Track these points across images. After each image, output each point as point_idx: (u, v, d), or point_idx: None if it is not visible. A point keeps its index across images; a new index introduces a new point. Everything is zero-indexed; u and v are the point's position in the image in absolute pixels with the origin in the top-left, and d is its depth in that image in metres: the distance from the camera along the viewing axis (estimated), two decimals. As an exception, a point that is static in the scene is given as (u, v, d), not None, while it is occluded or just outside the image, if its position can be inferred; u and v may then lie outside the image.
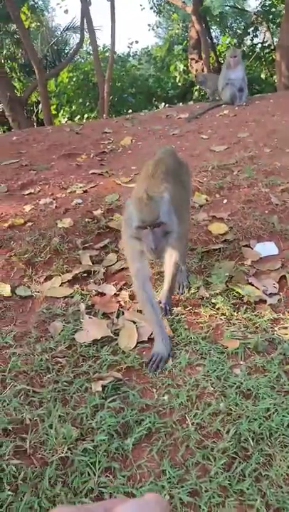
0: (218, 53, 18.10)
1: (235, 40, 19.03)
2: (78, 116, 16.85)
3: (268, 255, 3.25)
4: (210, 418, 2.04)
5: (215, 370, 2.28)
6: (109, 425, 2.00)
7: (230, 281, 2.96)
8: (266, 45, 18.84)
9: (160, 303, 2.74)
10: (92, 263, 3.29)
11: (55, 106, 17.37)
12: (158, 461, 1.87)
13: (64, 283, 3.09)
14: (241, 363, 2.35)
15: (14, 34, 16.69)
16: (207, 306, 2.76)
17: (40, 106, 15.95)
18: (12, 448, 1.92)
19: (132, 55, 20.89)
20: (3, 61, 16.52)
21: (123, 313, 2.78)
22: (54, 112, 16.98)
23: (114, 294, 2.98)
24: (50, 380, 2.28)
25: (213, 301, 2.79)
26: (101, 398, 2.16)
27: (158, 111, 10.16)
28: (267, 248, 3.32)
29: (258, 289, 2.88)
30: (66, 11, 20.63)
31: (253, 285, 2.92)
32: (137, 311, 2.77)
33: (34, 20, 17.38)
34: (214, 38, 19.18)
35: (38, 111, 17.74)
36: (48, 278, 3.16)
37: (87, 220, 3.83)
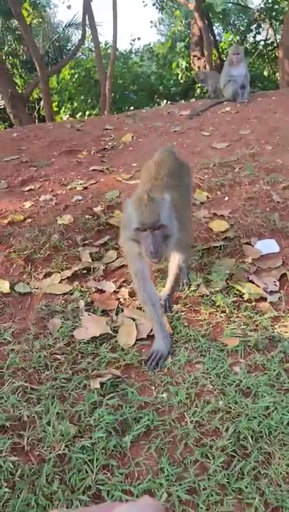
0: (220, 50, 18.02)
1: (237, 37, 18.94)
2: (80, 113, 16.82)
3: (269, 253, 3.24)
4: (209, 416, 2.03)
5: (214, 368, 2.27)
6: (108, 422, 1.99)
7: (230, 278, 2.94)
8: (269, 42, 18.75)
9: (160, 299, 2.70)
10: (92, 260, 3.28)
11: (56, 103, 17.34)
12: (156, 458, 1.86)
13: (63, 280, 3.08)
14: (241, 360, 2.34)
15: (16, 30, 16.65)
16: (207, 304, 2.74)
17: (41, 103, 15.92)
18: (9, 445, 1.91)
19: (134, 51, 20.86)
20: (4, 57, 16.51)
21: (122, 311, 2.77)
22: (56, 109, 16.95)
23: (114, 291, 2.96)
24: (48, 377, 2.27)
25: (213, 298, 2.78)
26: (99, 395, 2.15)
27: (159, 108, 10.13)
28: (268, 246, 3.30)
29: (258, 286, 2.87)
30: (69, 7, 20.49)
31: (253, 283, 2.90)
32: (137, 308, 2.76)
33: (36, 17, 17.33)
34: (217, 35, 19.10)
35: (39, 108, 17.71)
36: (48, 275, 3.14)
37: (87, 216, 3.82)
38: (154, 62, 20.89)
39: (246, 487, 1.74)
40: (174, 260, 2.61)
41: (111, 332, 2.57)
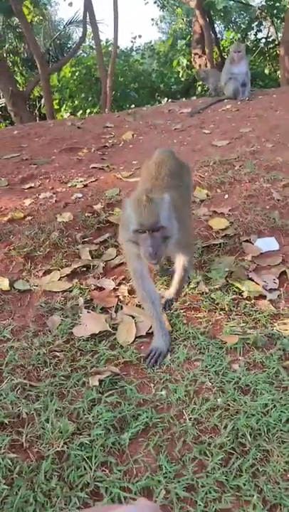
0: (221, 48, 17.98)
1: (239, 35, 18.90)
2: (81, 111, 16.81)
3: (269, 251, 3.23)
4: (207, 413, 2.03)
5: (213, 366, 2.27)
6: (106, 420, 1.99)
7: (230, 276, 2.94)
8: (270, 40, 18.72)
9: (162, 299, 2.69)
10: (92, 257, 3.27)
11: (57, 101, 17.32)
12: (154, 456, 1.86)
13: (63, 277, 3.07)
14: (240, 358, 2.34)
15: (17, 28, 16.60)
16: (206, 301, 2.74)
17: (42, 101, 15.89)
18: (8, 442, 1.91)
19: (135, 49, 20.80)
20: (5, 55, 16.47)
21: (122, 308, 2.77)
22: (56, 107, 16.94)
23: (113, 288, 2.96)
24: (47, 374, 2.27)
25: (212, 296, 2.77)
26: (98, 393, 2.15)
27: (160, 106, 10.12)
28: (267, 243, 3.30)
29: (258, 284, 2.86)
30: (70, 4, 20.45)
31: (253, 280, 2.89)
32: (136, 305, 2.76)
33: (37, 14, 17.26)
34: (218, 33, 19.05)
35: (40, 106, 17.67)
36: (47, 272, 3.14)
37: (87, 214, 3.81)
38: (155, 60, 20.85)
39: (244, 484, 1.74)
40: (179, 262, 2.59)
41: (110, 329, 2.56)
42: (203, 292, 2.81)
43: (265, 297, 2.77)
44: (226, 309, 2.67)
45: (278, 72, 16.64)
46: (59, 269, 3.14)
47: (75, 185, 4.54)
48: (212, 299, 2.76)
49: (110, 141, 6.23)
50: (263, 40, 18.83)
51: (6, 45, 17.18)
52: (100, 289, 2.97)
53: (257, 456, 1.84)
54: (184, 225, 2.36)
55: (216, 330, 2.54)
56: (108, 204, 4.00)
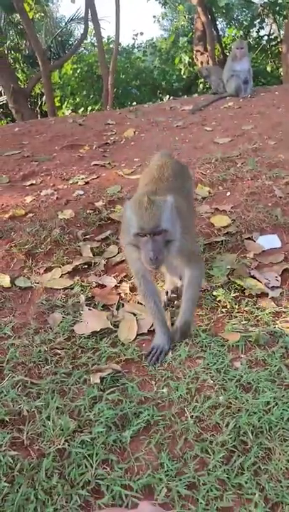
0: (223, 45, 17.91)
1: (241, 32, 18.82)
2: (82, 109, 16.76)
3: (271, 248, 3.22)
4: (209, 411, 2.02)
5: (215, 363, 2.26)
6: (107, 417, 1.98)
7: (232, 273, 2.93)
8: (272, 37, 18.62)
9: (175, 330, 2.45)
10: (93, 255, 3.27)
11: (59, 98, 17.27)
12: (156, 453, 1.86)
13: (64, 274, 3.07)
14: (242, 356, 2.33)
15: (18, 25, 16.53)
16: (208, 299, 2.73)
17: (43, 98, 15.86)
18: (9, 439, 1.91)
19: (136, 46, 20.69)
20: (6, 52, 16.43)
21: (123, 305, 2.76)
22: (58, 104, 16.89)
23: (115, 285, 2.95)
24: (48, 372, 2.26)
25: (214, 293, 2.76)
26: (99, 390, 2.14)
27: (162, 103, 10.10)
28: (270, 241, 3.28)
29: (260, 282, 2.85)
30: (73, 0, 20.31)
31: (255, 278, 2.89)
32: (138, 303, 2.75)
33: (38, 11, 17.20)
34: (220, 30, 18.96)
35: (41, 103, 17.63)
36: (48, 269, 3.13)
37: (88, 211, 3.80)
38: (157, 57, 20.74)
39: (246, 482, 1.74)
40: (186, 279, 2.41)
41: (111, 327, 2.56)
42: (205, 289, 2.80)
43: (267, 295, 2.76)
44: (228, 307, 2.66)
45: (280, 69, 16.57)
46: (60, 267, 3.13)
47: (77, 182, 4.53)
48: (214, 296, 2.75)
49: (112, 139, 6.22)
50: (265, 38, 18.73)
51: (8, 42, 17.11)
52: (102, 286, 2.96)
53: (259, 454, 1.83)
54: (187, 229, 2.26)
55: (218, 328, 2.53)
56: (109, 201, 3.99)
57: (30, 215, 3.84)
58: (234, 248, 3.23)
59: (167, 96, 17.24)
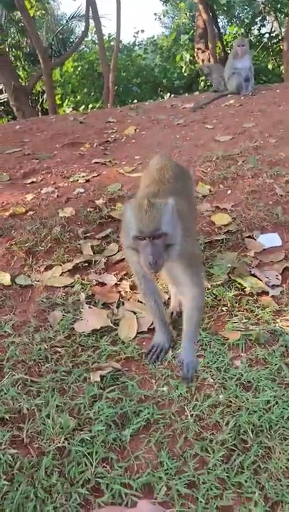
0: (225, 43, 17.87)
1: (242, 30, 18.76)
2: (83, 106, 16.73)
3: (272, 246, 3.21)
4: (209, 410, 2.02)
5: (215, 362, 2.26)
6: (107, 416, 1.98)
7: (232, 272, 2.92)
8: (274, 35, 18.59)
9: (180, 363, 2.25)
10: (93, 253, 3.26)
11: (59, 95, 17.24)
12: (156, 452, 1.86)
13: (64, 272, 3.06)
14: (242, 354, 2.32)
15: (19, 22, 16.52)
16: (209, 297, 2.72)
17: (44, 95, 15.84)
18: (9, 437, 1.91)
19: (137, 44, 20.63)
20: (7, 50, 16.40)
21: (123, 304, 2.76)
22: (59, 102, 16.86)
23: (115, 284, 2.95)
24: (48, 370, 2.26)
25: (214, 292, 2.76)
26: (99, 388, 2.14)
27: (163, 101, 10.07)
28: (270, 239, 3.28)
29: (260, 280, 2.85)
30: (75, -2, 20.22)
31: (255, 276, 2.88)
32: (138, 301, 2.74)
33: (39, 9, 17.19)
34: (221, 28, 18.91)
35: (42, 100, 17.62)
36: (49, 267, 3.13)
37: (88, 209, 3.80)
38: (158, 55, 20.69)
39: (246, 481, 1.74)
40: (187, 298, 2.27)
41: (112, 325, 2.55)
42: (205, 288, 2.79)
43: (267, 293, 2.76)
44: (229, 305, 2.65)
45: (282, 67, 16.53)
46: (61, 265, 3.13)
47: (77, 180, 4.53)
48: (214, 294, 2.74)
49: (113, 136, 6.21)
50: (267, 35, 18.70)
51: (9, 40, 17.09)
52: (102, 284, 2.96)
53: (259, 453, 1.83)
54: (188, 232, 2.19)
55: (218, 326, 2.53)
56: (110, 199, 3.98)
57: (31, 212, 3.84)
58: (235, 246, 3.23)
59: (168, 94, 17.20)
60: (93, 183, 4.41)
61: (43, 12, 18.07)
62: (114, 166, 4.89)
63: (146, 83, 18.46)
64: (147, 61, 20.02)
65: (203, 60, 15.72)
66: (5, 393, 2.12)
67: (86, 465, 1.80)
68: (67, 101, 17.35)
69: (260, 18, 18.12)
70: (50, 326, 2.58)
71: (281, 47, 16.24)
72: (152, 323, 2.51)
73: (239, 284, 2.82)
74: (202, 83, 17.16)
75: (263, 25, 18.49)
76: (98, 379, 2.18)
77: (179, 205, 2.10)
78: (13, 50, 17.41)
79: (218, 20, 18.27)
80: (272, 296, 2.73)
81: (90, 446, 1.87)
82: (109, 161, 5.07)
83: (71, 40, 19.09)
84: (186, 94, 14.99)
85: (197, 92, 14.32)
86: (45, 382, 2.17)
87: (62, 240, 3.39)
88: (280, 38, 17.75)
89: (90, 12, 13.87)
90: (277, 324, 2.51)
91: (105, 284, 2.95)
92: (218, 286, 2.79)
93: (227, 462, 1.81)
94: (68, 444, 1.88)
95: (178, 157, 4.93)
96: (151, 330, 2.51)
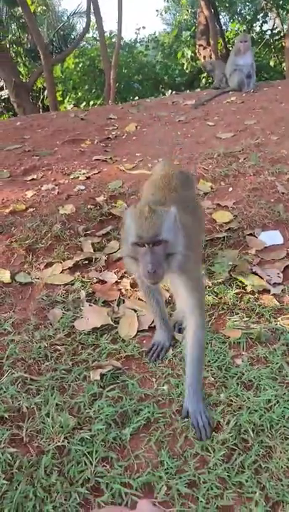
0: (226, 40, 17.80)
1: (244, 27, 18.69)
2: (84, 103, 16.70)
3: (273, 244, 3.20)
4: (210, 409, 2.01)
5: (216, 361, 2.25)
6: (107, 414, 1.97)
7: (233, 270, 2.91)
8: (276, 31, 18.52)
9: (187, 413, 2.01)
10: (94, 250, 3.24)
11: (60, 92, 17.21)
12: (156, 451, 1.85)
13: (65, 270, 3.04)
14: (243, 353, 2.31)
15: (20, 18, 16.46)
16: (210, 295, 2.71)
17: (45, 92, 15.78)
18: (8, 436, 1.89)
19: (139, 41, 20.58)
20: (8, 46, 16.36)
21: (124, 302, 2.74)
22: (60, 98, 16.83)
23: (116, 281, 2.93)
24: (48, 368, 2.25)
25: (215, 290, 2.74)
26: (99, 387, 2.13)
27: (164, 97, 10.03)
28: (272, 237, 3.26)
29: (261, 278, 2.83)
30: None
31: (256, 274, 2.86)
32: (138, 299, 2.73)
33: (40, 5, 17.15)
34: (223, 25, 18.84)
35: (43, 97, 17.58)
36: (49, 265, 3.11)
37: (89, 206, 3.78)
38: (159, 52, 20.64)
39: (247, 481, 1.73)
40: (190, 329, 2.10)
41: (112, 323, 2.54)
42: (206, 286, 2.78)
43: (269, 291, 2.74)
44: (229, 303, 2.64)
45: (283, 64, 16.47)
46: (61, 262, 3.11)
47: (78, 177, 4.50)
48: (215, 292, 2.73)
49: (113, 133, 6.18)
50: (269, 32, 18.64)
51: (9, 36, 17.04)
52: (102, 282, 2.94)
53: (259, 453, 1.82)
54: (192, 247, 2.06)
55: (219, 324, 2.51)
56: (111, 196, 3.96)
57: (31, 209, 3.82)
58: (236, 244, 3.21)
59: (169, 90, 17.19)
60: (94, 180, 4.39)
61: (44, 8, 18.01)
62: (115, 163, 4.87)
63: (148, 80, 18.42)
64: (149, 58, 19.96)
65: (204, 57, 15.67)
66: (4, 391, 2.10)
67: (86, 464, 1.79)
68: (68, 97, 17.33)
69: (262, 14, 18.07)
70: (50, 324, 2.57)
71: (283, 44, 16.17)
72: (153, 322, 2.50)
73: (240, 282, 2.80)
74: (203, 80, 17.12)
75: (265, 22, 18.47)
76: (98, 377, 2.17)
77: (183, 218, 2.01)
78: (14, 46, 17.37)
79: (220, 16, 18.19)
80: (274, 295, 2.71)
81: (89, 445, 1.86)
82: (110, 158, 5.05)
83: (72, 36, 19.05)
84: (188, 91, 14.95)
85: (198, 89, 14.29)
86: (45, 381, 2.16)
87: (63, 237, 3.37)
88: (282, 34, 17.67)
89: (92, 8, 13.82)
90: (278, 323, 2.49)
91: (106, 282, 2.93)
92: (219, 284, 2.77)
93: (228, 462, 1.80)
94: (68, 443, 1.87)
95: (179, 154, 4.91)
96: (151, 328, 2.50)
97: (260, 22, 18.44)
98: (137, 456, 1.83)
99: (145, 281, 1.91)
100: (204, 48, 16.03)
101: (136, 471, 1.78)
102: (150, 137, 5.80)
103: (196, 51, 16.95)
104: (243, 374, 2.16)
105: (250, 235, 3.30)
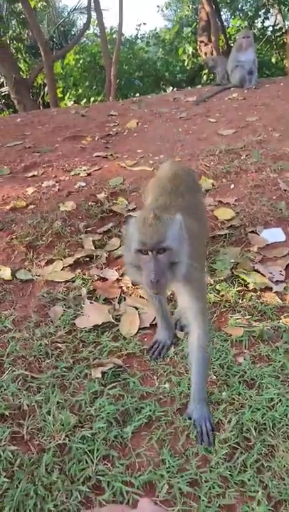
0: (228, 36, 17.72)
1: (245, 23, 18.60)
2: (85, 100, 16.64)
3: (275, 242, 3.18)
4: (212, 407, 2.00)
5: (218, 359, 2.24)
6: (109, 413, 1.96)
7: (235, 267, 2.89)
8: (277, 28, 18.42)
9: (192, 420, 1.97)
10: (95, 247, 3.23)
11: (61, 89, 17.14)
12: (157, 449, 1.84)
13: (65, 267, 3.03)
14: (245, 351, 2.30)
15: (20, 14, 16.38)
16: (211, 293, 2.69)
17: (46, 88, 15.73)
18: (9, 434, 1.89)
19: (140, 37, 20.48)
20: (9, 42, 16.29)
21: (125, 299, 2.73)
22: (60, 95, 16.76)
23: (117, 279, 2.92)
24: (49, 366, 2.24)
25: (217, 287, 2.73)
26: (100, 385, 2.12)
27: (165, 94, 10.00)
28: (274, 234, 3.25)
29: (264, 276, 2.82)
30: (76, -10, 20.13)
31: (258, 272, 2.85)
32: (140, 296, 2.72)
33: (40, 1, 17.05)
34: (224, 21, 18.75)
35: (44, 93, 17.51)
36: (50, 262, 3.10)
37: (90, 203, 3.76)
38: (160, 48, 20.54)
39: (249, 480, 1.72)
40: (194, 338, 2.05)
41: (113, 321, 2.53)
42: (208, 283, 2.76)
43: (271, 289, 2.73)
44: (231, 301, 2.63)
45: (285, 61, 16.41)
46: (62, 259, 3.10)
47: (79, 173, 4.48)
48: (217, 290, 2.72)
49: (114, 130, 6.15)
50: (270, 29, 18.53)
51: (10, 32, 16.95)
52: (103, 279, 2.93)
53: (262, 451, 1.82)
54: (197, 257, 2.01)
55: (221, 322, 2.50)
56: (112, 193, 3.94)
57: (32, 206, 3.80)
58: (238, 241, 3.19)
59: (171, 87, 17.11)
60: (95, 177, 4.37)
61: (45, 4, 17.90)
62: (116, 160, 4.85)
63: (149, 76, 18.34)
64: (149, 54, 19.87)
65: (206, 53, 15.59)
66: (5, 389, 2.09)
67: (87, 462, 1.79)
68: (68, 94, 17.26)
69: (263, 10, 17.94)
70: (51, 322, 2.55)
71: (285, 40, 16.11)
72: (154, 319, 2.49)
73: (242, 279, 2.79)
74: (205, 76, 17.04)
75: (267, 18, 18.32)
76: (99, 375, 2.16)
77: (189, 225, 1.96)
78: (14, 42, 17.29)
79: (222, 12, 18.10)
80: (276, 292, 2.70)
81: (90, 444, 1.85)
82: (111, 155, 5.02)
83: (73, 32, 18.97)
84: (189, 87, 14.90)
85: (200, 86, 14.22)
86: (46, 378, 2.15)
87: (63, 234, 3.35)
88: (283, 31, 17.58)
89: (92, 4, 13.76)
90: (280, 320, 2.48)
91: (107, 279, 2.92)
92: (221, 282, 2.76)
93: (230, 460, 1.79)
94: (69, 441, 1.86)
95: (180, 151, 4.88)
96: (153, 326, 2.49)
97: (262, 18, 18.31)
98: (138, 455, 1.82)
99: (148, 291, 1.85)
100: (205, 45, 15.95)
101: (137, 470, 1.77)
102: (151, 134, 5.78)
103: (198, 47, 16.87)
104: (245, 372, 2.15)
105: (252, 232, 3.28)
